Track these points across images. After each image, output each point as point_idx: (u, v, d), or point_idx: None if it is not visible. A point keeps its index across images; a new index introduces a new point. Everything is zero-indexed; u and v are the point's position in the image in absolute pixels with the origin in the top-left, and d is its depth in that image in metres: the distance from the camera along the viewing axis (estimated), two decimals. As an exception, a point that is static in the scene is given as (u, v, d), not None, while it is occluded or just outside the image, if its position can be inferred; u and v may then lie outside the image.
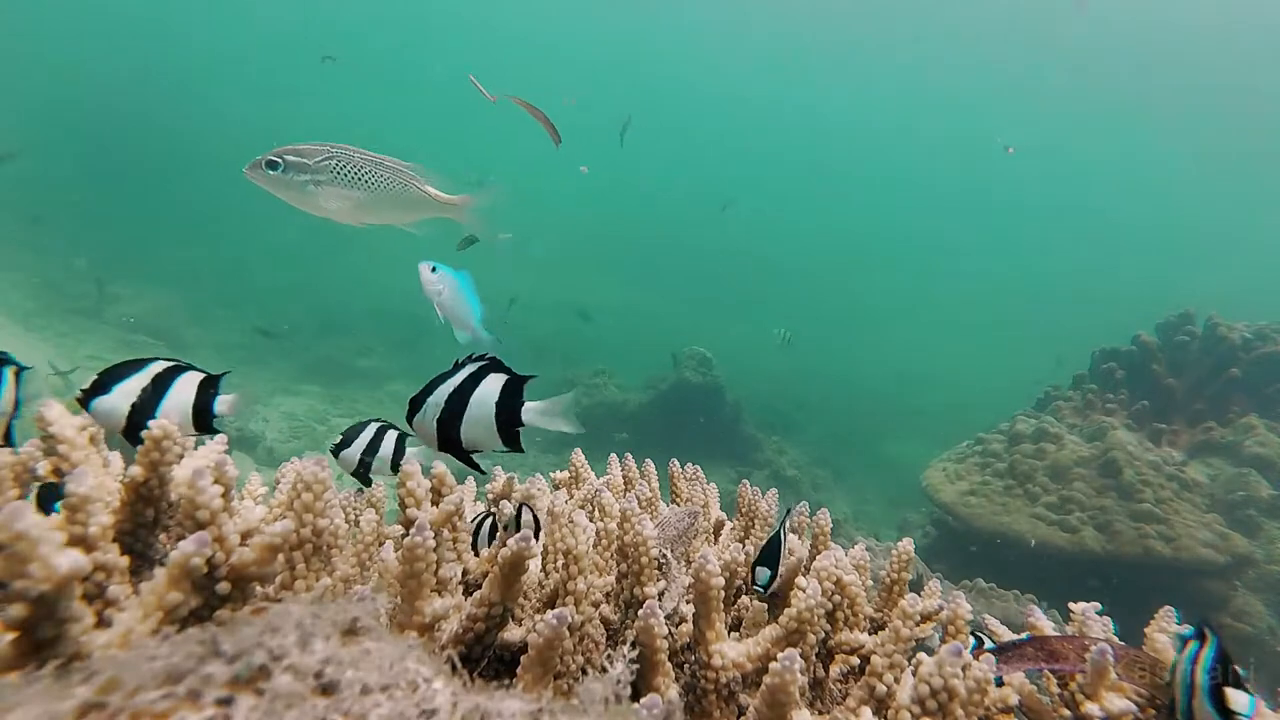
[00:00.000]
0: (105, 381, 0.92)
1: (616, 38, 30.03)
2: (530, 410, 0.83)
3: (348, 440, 1.25)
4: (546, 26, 28.92)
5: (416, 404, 0.83)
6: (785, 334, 5.24)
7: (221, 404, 0.98)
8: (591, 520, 1.16)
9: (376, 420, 1.28)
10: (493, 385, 0.82)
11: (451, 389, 0.82)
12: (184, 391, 0.95)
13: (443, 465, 1.11)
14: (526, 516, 1.03)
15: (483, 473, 0.99)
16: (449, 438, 0.83)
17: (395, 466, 1.25)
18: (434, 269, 1.41)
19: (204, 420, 0.97)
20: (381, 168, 1.35)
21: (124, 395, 0.92)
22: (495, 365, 0.84)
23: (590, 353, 9.42)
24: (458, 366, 0.85)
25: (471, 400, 0.82)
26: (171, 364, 0.97)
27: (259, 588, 0.69)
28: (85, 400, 0.91)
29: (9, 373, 0.98)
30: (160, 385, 0.94)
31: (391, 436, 1.26)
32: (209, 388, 0.98)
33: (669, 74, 30.05)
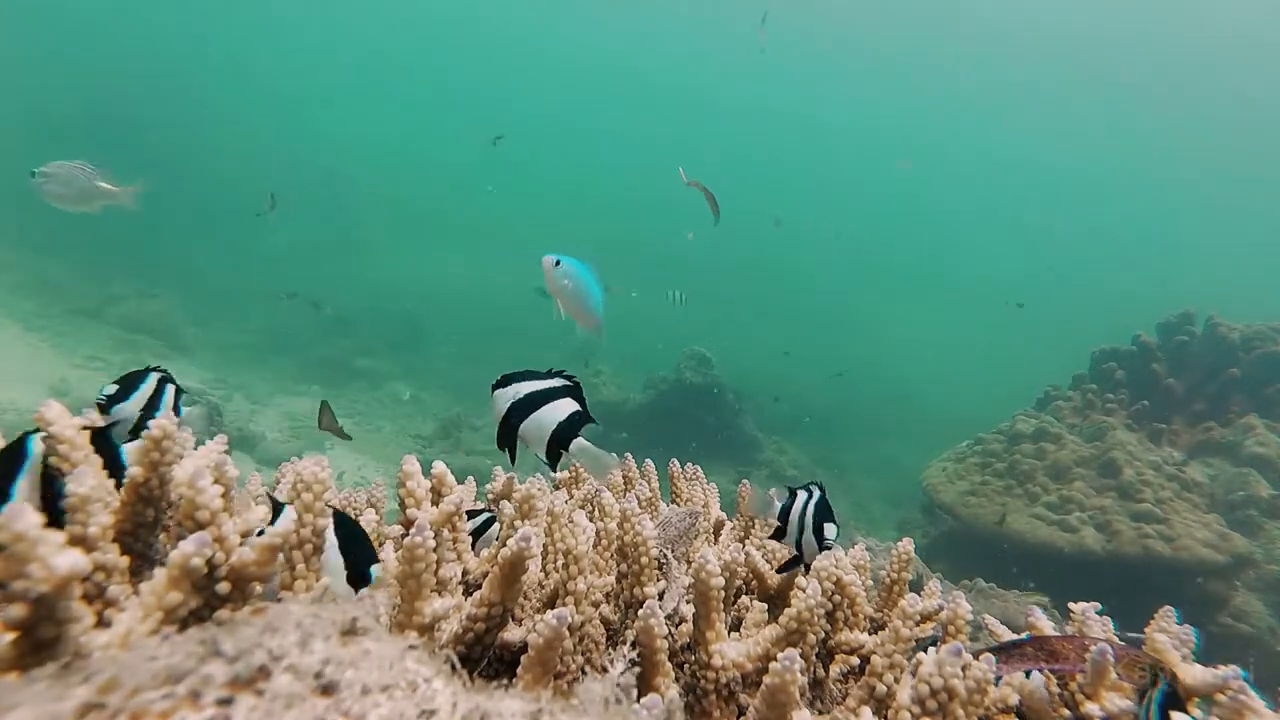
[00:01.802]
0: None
1: (620, 42, 30.03)
2: (579, 443, 0.90)
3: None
4: (547, 29, 28.93)
5: (506, 381, 0.91)
6: (679, 295, 5.30)
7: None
8: (591, 520, 1.16)
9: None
10: (565, 406, 0.90)
11: (535, 389, 0.90)
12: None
13: (442, 465, 1.11)
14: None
15: (512, 463, 1.01)
16: (510, 423, 0.90)
17: None
18: (558, 262, 1.37)
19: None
20: (74, 169, 2.23)
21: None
22: (575, 390, 0.92)
23: (590, 352, 9.42)
24: (550, 373, 0.93)
25: (544, 406, 0.89)
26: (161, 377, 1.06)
27: (258, 588, 0.69)
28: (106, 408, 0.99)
29: (169, 390, 1.06)
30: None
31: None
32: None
33: (669, 79, 30.05)
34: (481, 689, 0.39)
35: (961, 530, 4.53)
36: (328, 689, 0.35)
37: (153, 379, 1.07)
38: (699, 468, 1.44)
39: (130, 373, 1.07)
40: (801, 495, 1.03)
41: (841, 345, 16.01)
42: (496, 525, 1.15)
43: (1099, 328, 6.47)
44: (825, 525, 1.01)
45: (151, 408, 1.05)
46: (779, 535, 1.05)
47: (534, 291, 5.55)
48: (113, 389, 1.04)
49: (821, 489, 1.05)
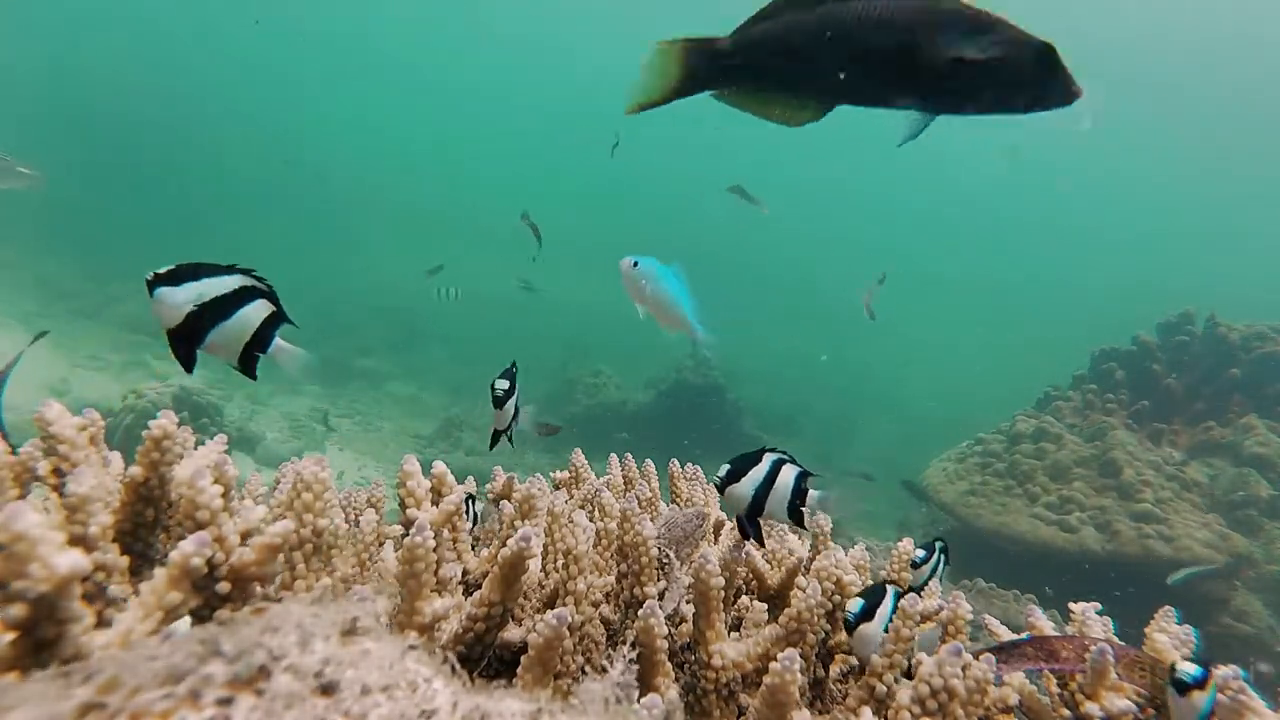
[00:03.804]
0: (180, 275, 0.80)
1: (617, 40, 30.02)
2: (524, 415, 1.30)
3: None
4: (546, 27, 28.91)
5: (506, 397, 1.23)
6: (451, 292, 5.38)
7: (279, 350, 0.89)
8: (591, 520, 1.16)
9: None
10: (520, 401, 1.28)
11: (514, 398, 1.25)
12: (251, 316, 0.84)
13: (442, 465, 1.11)
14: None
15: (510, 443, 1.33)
16: (510, 424, 1.27)
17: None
18: (635, 263, 1.43)
19: (249, 359, 0.85)
20: None
21: (191, 294, 0.80)
22: (514, 378, 1.27)
23: (590, 353, 9.42)
24: (509, 371, 1.26)
25: (509, 403, 1.24)
26: (250, 283, 0.84)
27: (259, 588, 0.69)
28: (152, 285, 0.79)
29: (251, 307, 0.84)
30: (233, 301, 0.83)
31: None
32: (271, 324, 0.87)
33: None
34: (481, 689, 0.39)
35: (961, 530, 4.52)
36: (328, 689, 0.35)
37: (230, 282, 0.81)
38: (699, 468, 1.44)
39: (193, 264, 0.81)
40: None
41: (841, 345, 16.00)
42: (476, 505, 1.18)
43: (1099, 328, 6.47)
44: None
45: (219, 313, 0.81)
46: None
47: (424, 274, 5.73)
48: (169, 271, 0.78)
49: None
